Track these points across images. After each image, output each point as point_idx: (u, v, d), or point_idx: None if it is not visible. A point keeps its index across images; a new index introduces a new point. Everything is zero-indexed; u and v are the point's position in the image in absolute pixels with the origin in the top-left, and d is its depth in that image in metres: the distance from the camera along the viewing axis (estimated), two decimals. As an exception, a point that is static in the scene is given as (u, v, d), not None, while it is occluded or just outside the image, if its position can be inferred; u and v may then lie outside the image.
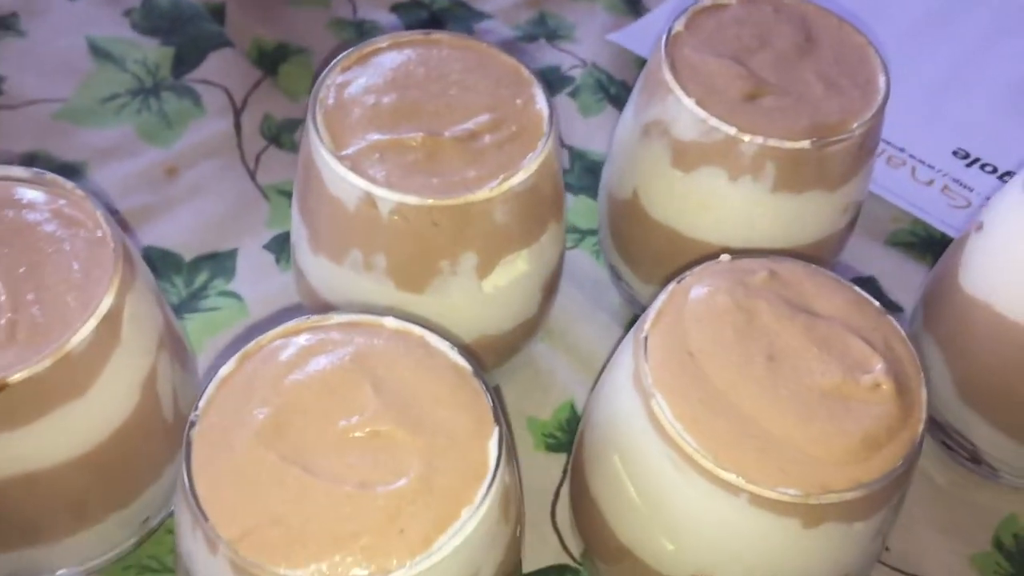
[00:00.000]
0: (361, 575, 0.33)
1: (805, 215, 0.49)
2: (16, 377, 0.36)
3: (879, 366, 0.39)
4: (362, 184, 0.43)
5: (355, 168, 0.43)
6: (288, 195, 0.59)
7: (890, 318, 0.41)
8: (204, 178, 0.64)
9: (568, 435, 0.54)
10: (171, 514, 0.46)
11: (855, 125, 0.47)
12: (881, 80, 0.49)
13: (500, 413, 0.37)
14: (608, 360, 0.44)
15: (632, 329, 0.41)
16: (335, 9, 0.74)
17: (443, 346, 0.38)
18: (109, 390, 0.39)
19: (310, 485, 0.34)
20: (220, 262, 0.60)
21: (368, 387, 0.36)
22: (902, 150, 0.67)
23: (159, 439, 0.43)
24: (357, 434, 0.35)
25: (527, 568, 0.49)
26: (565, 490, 0.51)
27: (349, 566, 0.33)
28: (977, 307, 0.48)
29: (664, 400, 0.38)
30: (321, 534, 0.33)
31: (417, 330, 0.38)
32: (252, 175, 0.64)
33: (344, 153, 0.44)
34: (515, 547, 0.39)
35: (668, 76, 0.48)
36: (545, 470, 0.53)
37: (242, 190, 0.63)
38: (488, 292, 0.46)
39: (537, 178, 0.45)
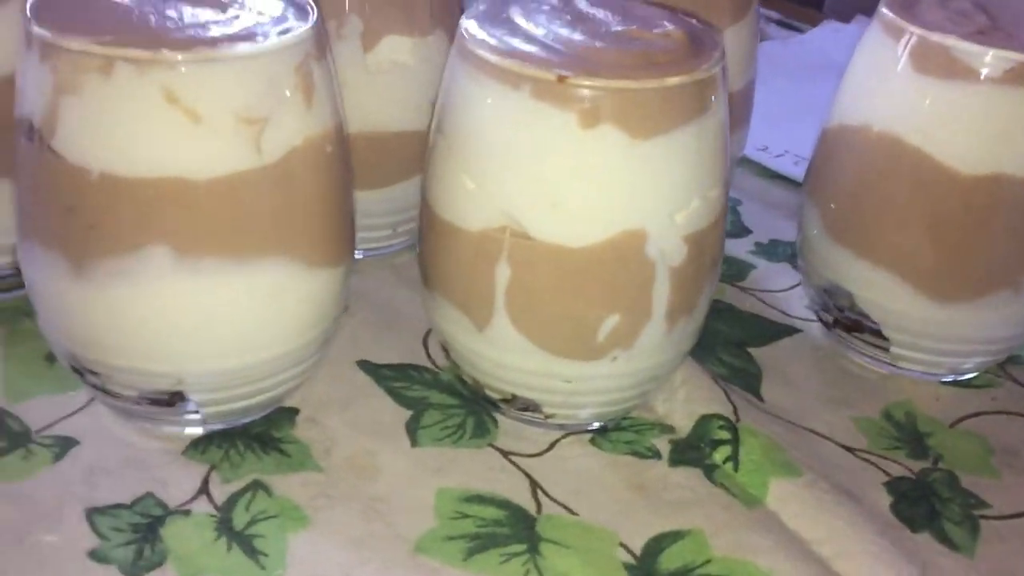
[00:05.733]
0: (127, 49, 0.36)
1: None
2: None
3: (672, 26, 0.42)
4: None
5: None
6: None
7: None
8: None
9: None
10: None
11: None
12: None
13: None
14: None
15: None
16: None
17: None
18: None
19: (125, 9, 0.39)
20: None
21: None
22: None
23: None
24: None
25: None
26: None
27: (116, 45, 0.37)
28: (847, 132, 0.50)
29: (474, 34, 0.41)
30: (106, 29, 0.37)
31: None
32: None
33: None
34: (319, 150, 0.41)
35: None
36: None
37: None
38: (371, 68, 0.51)
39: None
